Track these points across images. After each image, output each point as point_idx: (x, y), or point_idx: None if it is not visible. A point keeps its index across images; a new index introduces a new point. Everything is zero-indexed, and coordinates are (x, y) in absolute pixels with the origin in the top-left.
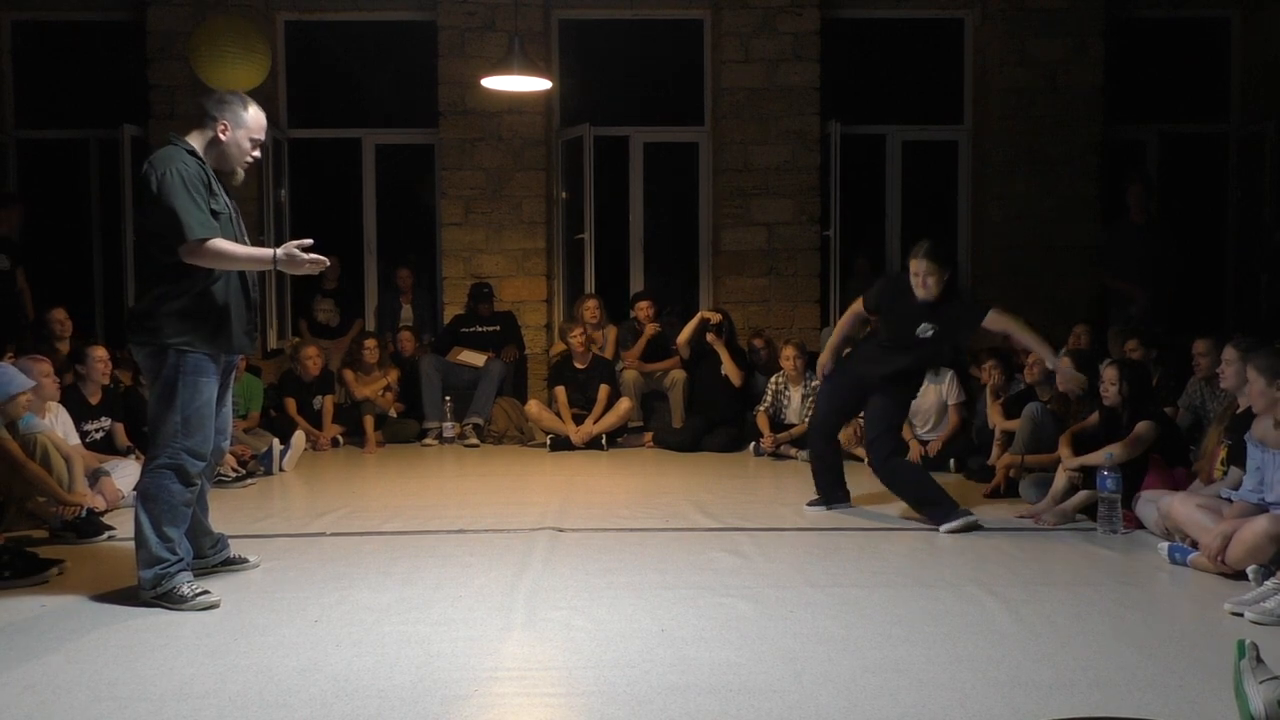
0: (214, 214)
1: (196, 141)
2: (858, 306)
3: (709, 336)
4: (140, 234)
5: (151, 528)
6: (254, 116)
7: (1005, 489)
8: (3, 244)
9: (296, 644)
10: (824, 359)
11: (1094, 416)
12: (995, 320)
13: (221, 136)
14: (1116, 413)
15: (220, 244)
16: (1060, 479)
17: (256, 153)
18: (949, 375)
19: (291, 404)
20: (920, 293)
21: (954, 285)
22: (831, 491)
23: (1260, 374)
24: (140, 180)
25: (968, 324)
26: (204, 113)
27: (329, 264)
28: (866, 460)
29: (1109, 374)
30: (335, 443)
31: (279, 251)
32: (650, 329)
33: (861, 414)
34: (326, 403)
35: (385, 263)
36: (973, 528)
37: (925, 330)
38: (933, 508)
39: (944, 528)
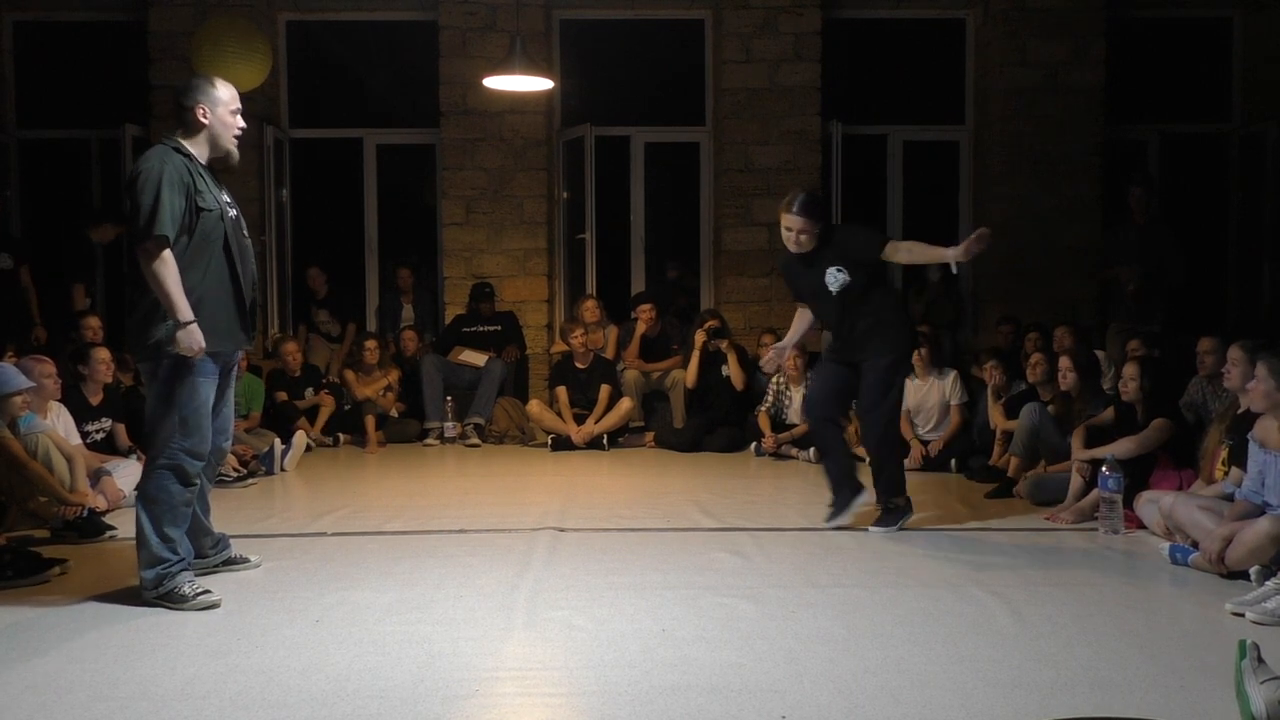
0: (201, 210)
1: (184, 138)
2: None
3: (712, 344)
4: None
5: (152, 528)
6: (223, 88)
7: (1004, 489)
8: (6, 242)
9: (298, 644)
10: (768, 356)
11: (1109, 411)
12: (892, 250)
13: (203, 120)
14: (1133, 409)
15: (169, 258)
16: (1076, 479)
17: (240, 122)
18: (952, 375)
19: (283, 397)
20: (793, 248)
21: (829, 230)
22: (840, 489)
23: (1271, 374)
24: (128, 182)
25: (865, 245)
26: (179, 108)
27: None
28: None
29: (1128, 370)
30: (336, 442)
31: (192, 327)
32: (642, 326)
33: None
34: (323, 399)
35: (386, 263)
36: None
37: (834, 276)
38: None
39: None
